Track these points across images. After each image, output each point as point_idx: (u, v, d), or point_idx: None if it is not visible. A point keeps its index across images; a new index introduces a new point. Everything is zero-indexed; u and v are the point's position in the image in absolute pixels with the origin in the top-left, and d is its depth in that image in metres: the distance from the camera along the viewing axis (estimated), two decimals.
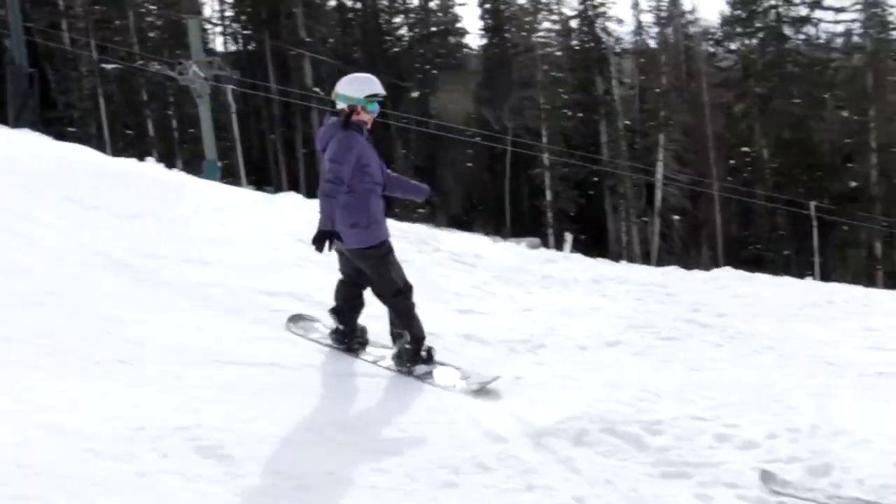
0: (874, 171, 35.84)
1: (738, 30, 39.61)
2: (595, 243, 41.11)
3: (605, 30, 41.28)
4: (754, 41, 39.04)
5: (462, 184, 45.21)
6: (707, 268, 36.41)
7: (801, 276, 33.52)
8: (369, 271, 5.48)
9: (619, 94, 39.42)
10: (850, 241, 36.09)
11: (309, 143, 43.38)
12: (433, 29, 46.26)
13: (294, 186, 44.62)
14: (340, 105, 5.38)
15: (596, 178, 39.85)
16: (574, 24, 42.89)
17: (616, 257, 39.35)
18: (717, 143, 37.64)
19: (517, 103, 40.59)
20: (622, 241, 38.44)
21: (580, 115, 40.40)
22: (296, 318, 6.17)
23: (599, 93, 40.91)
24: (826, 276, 36.79)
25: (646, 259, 38.15)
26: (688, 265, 37.04)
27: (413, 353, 5.51)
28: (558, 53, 41.92)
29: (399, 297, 5.50)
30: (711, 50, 41.75)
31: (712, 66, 40.63)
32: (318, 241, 5.08)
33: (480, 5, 44.70)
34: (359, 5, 47.25)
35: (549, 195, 40.30)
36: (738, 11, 39.05)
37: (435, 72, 44.04)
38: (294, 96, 38.26)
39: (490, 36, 47.59)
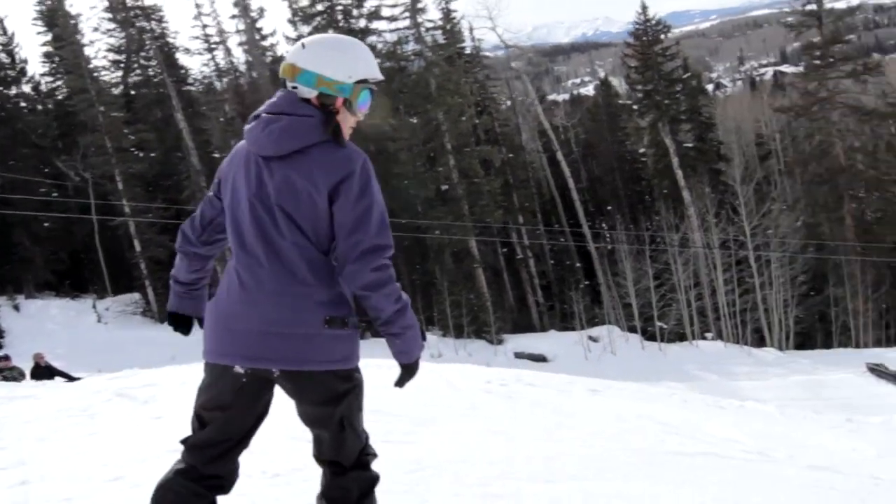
0: (455, 171, 36.46)
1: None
2: None
3: (167, 61, 38.37)
4: None
5: (44, 245, 40.04)
6: None
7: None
8: (336, 413, 2.83)
9: (188, 126, 36.74)
10: (447, 243, 36.34)
11: None
12: None
13: None
14: (306, 91, 2.75)
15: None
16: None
17: None
18: None
19: (86, 150, 36.60)
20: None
21: (152, 154, 37.11)
22: None
23: (180, 129, 38.18)
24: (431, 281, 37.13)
25: None
26: None
27: None
28: (115, 91, 38.43)
29: (367, 464, 2.95)
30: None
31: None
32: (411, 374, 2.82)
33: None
34: None
35: (137, 245, 36.73)
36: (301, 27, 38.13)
37: None
38: None
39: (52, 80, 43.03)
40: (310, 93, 2.73)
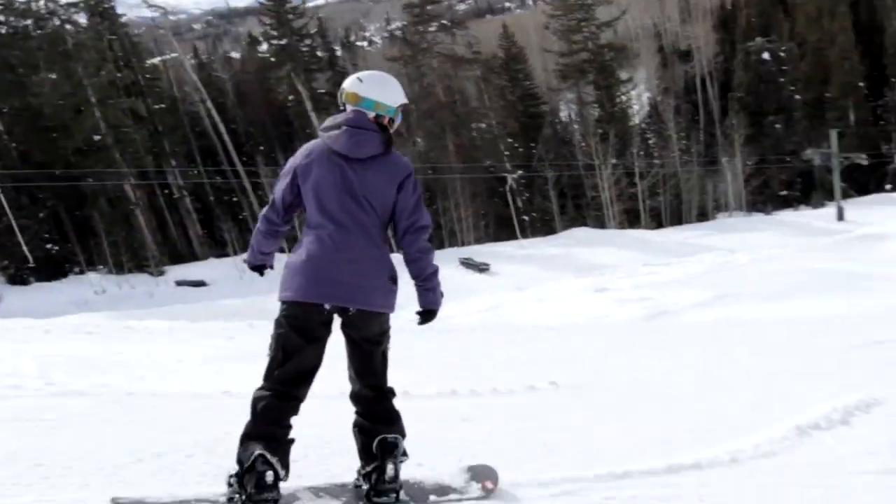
0: (101, 122, 39.64)
1: None
2: None
3: None
4: None
5: None
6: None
7: None
8: (381, 347, 3.80)
9: None
10: (101, 190, 39.69)
11: None
12: None
13: None
14: (367, 113, 3.73)
15: None
16: None
17: None
18: None
19: None
20: None
21: None
22: None
23: None
24: None
25: None
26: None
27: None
28: None
29: (392, 389, 3.88)
30: None
31: None
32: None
33: None
34: None
35: None
36: None
37: None
38: None
39: None
40: (370, 114, 3.70)
